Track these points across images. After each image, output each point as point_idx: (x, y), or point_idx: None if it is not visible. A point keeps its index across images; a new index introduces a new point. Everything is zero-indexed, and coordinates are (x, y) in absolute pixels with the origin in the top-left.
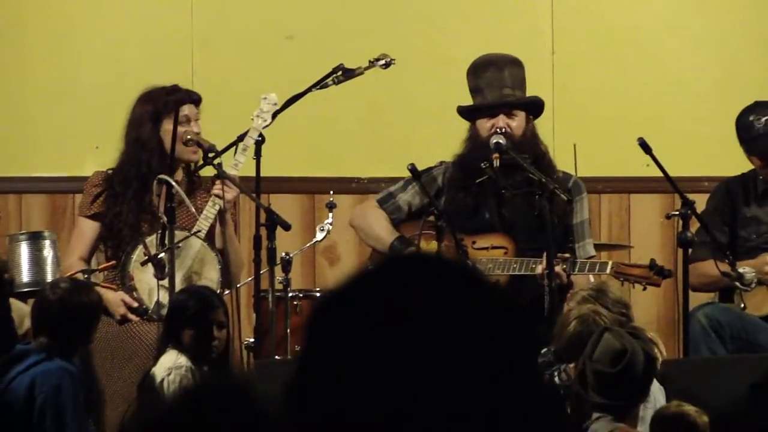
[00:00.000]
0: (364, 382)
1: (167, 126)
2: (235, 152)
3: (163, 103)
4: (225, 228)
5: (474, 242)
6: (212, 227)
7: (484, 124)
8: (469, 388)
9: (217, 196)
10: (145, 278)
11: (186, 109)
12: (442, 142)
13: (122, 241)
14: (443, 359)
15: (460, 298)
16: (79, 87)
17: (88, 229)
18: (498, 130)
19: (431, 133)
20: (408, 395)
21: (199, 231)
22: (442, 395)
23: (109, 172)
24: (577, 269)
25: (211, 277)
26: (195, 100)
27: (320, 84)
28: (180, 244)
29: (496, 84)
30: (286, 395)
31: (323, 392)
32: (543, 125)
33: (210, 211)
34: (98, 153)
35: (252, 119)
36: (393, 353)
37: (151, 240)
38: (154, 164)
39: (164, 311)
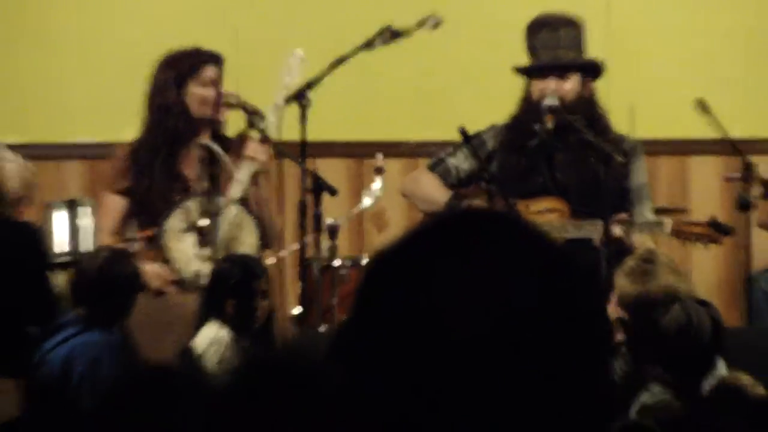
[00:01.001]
0: (420, 339)
1: (192, 89)
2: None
3: (187, 66)
4: (259, 190)
5: (527, 206)
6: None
7: (537, 86)
8: (529, 347)
9: (251, 158)
10: (182, 247)
11: (210, 71)
12: (493, 104)
13: (155, 215)
14: (502, 314)
15: (518, 251)
16: (116, 50)
17: (115, 205)
18: (548, 92)
19: (482, 95)
20: (466, 355)
21: (242, 198)
22: (500, 354)
23: (134, 144)
24: (636, 230)
25: (249, 241)
26: (218, 60)
27: (367, 45)
28: (225, 211)
29: (549, 45)
30: (331, 355)
31: (375, 351)
32: (598, 85)
33: (243, 174)
34: (138, 118)
35: (280, 77)
36: (450, 310)
37: (190, 206)
38: (181, 129)
39: (203, 281)
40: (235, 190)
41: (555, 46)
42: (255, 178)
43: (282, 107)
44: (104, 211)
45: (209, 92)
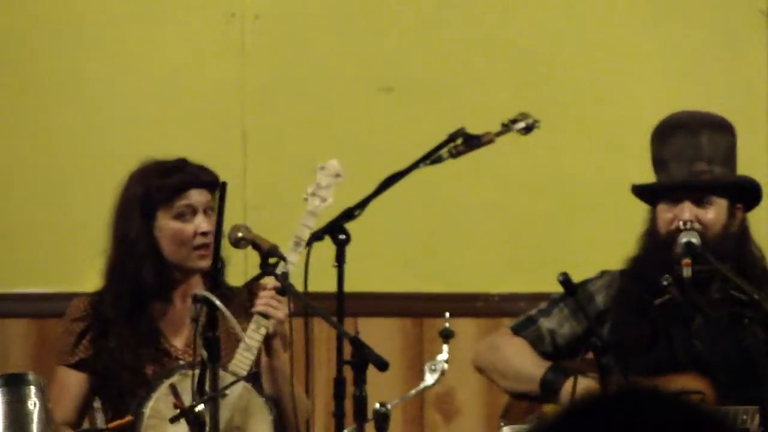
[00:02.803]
0: None
1: (163, 221)
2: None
3: (156, 188)
4: (275, 361)
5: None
6: (257, 361)
7: (665, 214)
8: None
9: (262, 315)
10: None
11: (193, 196)
12: (609, 243)
13: (123, 391)
14: None
15: None
16: (78, 167)
17: (73, 383)
18: (682, 224)
19: (595, 231)
20: None
21: (251, 372)
22: None
23: (95, 296)
24: None
25: None
26: (206, 182)
27: (431, 157)
28: (227, 392)
29: (686, 155)
30: None
31: None
32: (755, 215)
33: (253, 337)
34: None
35: (305, 199)
36: None
37: (178, 383)
38: (147, 277)
39: None
40: (242, 360)
41: (693, 156)
42: (269, 344)
43: (305, 243)
44: (57, 391)
45: (187, 228)
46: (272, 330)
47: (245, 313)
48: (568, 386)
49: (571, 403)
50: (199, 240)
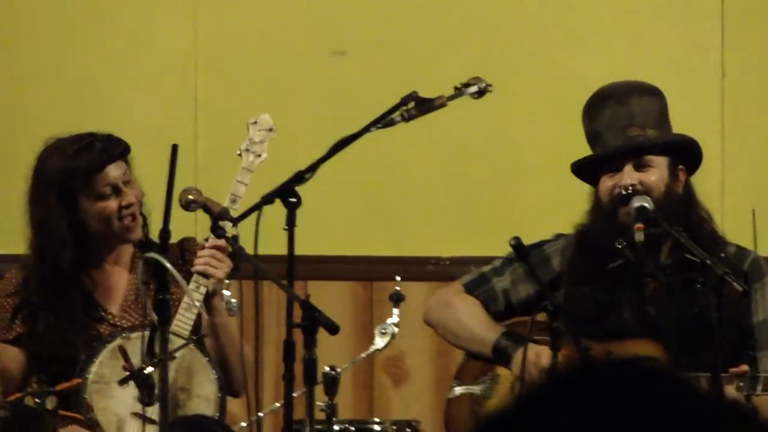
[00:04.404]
0: None
1: (86, 204)
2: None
3: (70, 172)
4: (216, 318)
5: (608, 352)
6: (198, 319)
7: (606, 183)
8: None
9: (201, 274)
10: (111, 405)
11: (110, 174)
12: (560, 207)
13: (64, 366)
14: None
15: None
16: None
17: (9, 360)
18: (624, 189)
19: (545, 195)
20: None
21: (202, 336)
22: None
23: (26, 272)
24: (759, 388)
25: (205, 393)
26: (118, 155)
27: (383, 121)
28: (177, 354)
29: (618, 123)
30: None
31: None
32: (707, 181)
33: (194, 297)
34: None
35: (239, 155)
36: None
37: (125, 346)
38: (65, 265)
39: None
40: (183, 321)
41: (625, 123)
42: (209, 303)
43: (240, 199)
44: None
45: (111, 205)
46: (212, 289)
47: (181, 271)
48: (519, 353)
49: (550, 378)
50: (125, 213)
